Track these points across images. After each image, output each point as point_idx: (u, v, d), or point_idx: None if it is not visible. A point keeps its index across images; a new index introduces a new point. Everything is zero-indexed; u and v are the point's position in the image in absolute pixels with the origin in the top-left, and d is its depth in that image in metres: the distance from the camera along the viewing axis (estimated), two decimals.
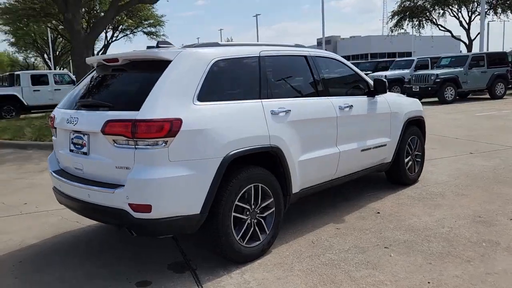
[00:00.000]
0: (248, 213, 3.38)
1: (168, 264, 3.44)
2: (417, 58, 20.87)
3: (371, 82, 4.80)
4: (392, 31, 34.89)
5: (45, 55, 47.73)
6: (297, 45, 4.33)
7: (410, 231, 3.95)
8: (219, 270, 3.29)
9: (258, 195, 3.44)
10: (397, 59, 23.74)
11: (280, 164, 3.58)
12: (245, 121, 3.33)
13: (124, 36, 40.55)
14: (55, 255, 3.74)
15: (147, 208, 2.89)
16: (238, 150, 3.20)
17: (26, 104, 16.61)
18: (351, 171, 4.50)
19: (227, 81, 3.44)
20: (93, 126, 3.11)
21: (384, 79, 4.78)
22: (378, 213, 4.47)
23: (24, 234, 4.25)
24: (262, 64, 3.67)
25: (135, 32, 40.54)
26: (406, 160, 5.30)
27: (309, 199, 4.88)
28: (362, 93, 4.73)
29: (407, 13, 33.38)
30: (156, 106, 2.94)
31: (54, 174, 3.60)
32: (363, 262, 3.35)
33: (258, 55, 3.68)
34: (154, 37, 40.20)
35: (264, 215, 3.52)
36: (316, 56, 4.28)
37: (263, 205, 3.50)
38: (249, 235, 3.39)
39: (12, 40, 46.96)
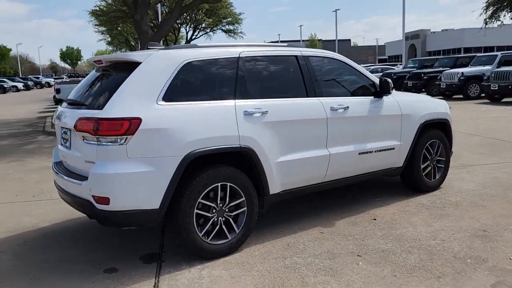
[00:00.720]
0: (214, 211, 3.46)
1: (143, 254, 3.65)
2: (501, 54, 19.02)
3: (378, 82, 4.59)
4: (486, 23, 31.91)
5: None
6: (290, 45, 4.29)
7: (395, 240, 3.75)
8: (183, 264, 3.43)
9: (226, 194, 3.50)
10: (479, 54, 21.82)
11: (254, 164, 3.60)
12: (212, 122, 3.40)
13: (204, 34, 42.20)
14: (55, 238, 4.15)
15: (106, 201, 3.11)
16: (201, 150, 3.29)
17: None
18: (346, 175, 4.35)
19: (198, 82, 3.54)
20: (70, 123, 3.40)
21: (389, 79, 4.54)
22: (374, 219, 4.28)
23: (42, 217, 4.74)
24: (241, 65, 3.71)
25: (214, 30, 41.96)
26: (423, 165, 4.98)
27: (306, 200, 4.83)
28: (366, 94, 4.54)
29: (505, 3, 30.32)
30: (118, 105, 3.14)
31: (53, 166, 3.98)
32: (325, 269, 3.27)
33: (238, 56, 3.73)
34: (232, 34, 41.34)
35: (233, 214, 3.57)
36: (310, 56, 4.20)
37: (233, 204, 3.55)
38: (214, 232, 3.47)
39: (109, 39, 50.94)
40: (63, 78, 51.87)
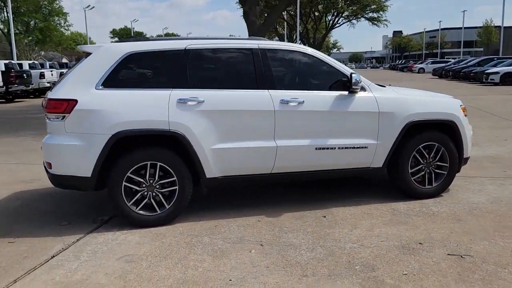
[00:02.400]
0: (144, 185, 3.94)
1: (99, 218, 4.25)
2: None
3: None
4: None
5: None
6: (251, 38, 4.42)
7: (317, 238, 3.70)
8: (116, 228, 3.99)
9: (155, 172, 3.94)
10: None
11: (186, 148, 3.95)
12: (142, 107, 3.86)
13: (346, 22, 41.49)
14: (47, 197, 5.03)
15: (50, 166, 3.86)
16: (128, 130, 3.79)
17: None
18: (301, 169, 4.33)
19: (139, 71, 4.03)
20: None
21: (355, 75, 4.27)
22: (324, 217, 4.21)
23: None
24: (186, 57, 4.05)
25: (358, 18, 40.91)
26: (413, 169, 4.59)
27: (278, 190, 4.95)
28: (337, 88, 4.38)
29: None
30: (62, 89, 3.84)
31: None
32: (217, 250, 3.48)
33: (184, 48, 4.08)
34: (376, 22, 39.74)
35: (163, 190, 3.99)
36: (269, 49, 4.28)
37: (163, 181, 3.97)
38: (142, 204, 3.95)
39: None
40: None
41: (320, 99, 4.30)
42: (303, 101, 4.21)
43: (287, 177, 4.37)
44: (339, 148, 4.35)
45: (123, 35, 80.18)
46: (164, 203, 4.01)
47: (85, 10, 43.40)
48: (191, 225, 4.04)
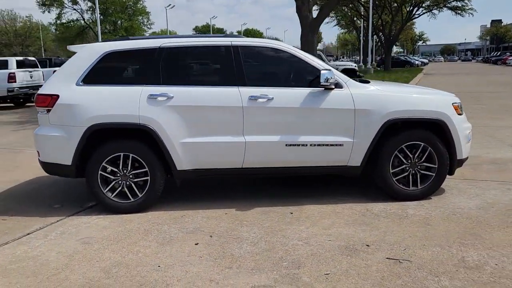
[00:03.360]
0: (118, 175, 4.26)
1: (88, 203, 4.66)
2: None
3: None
4: None
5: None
6: (227, 36, 4.51)
7: (268, 233, 3.74)
8: (95, 212, 4.36)
9: (128, 162, 4.24)
10: None
11: (156, 141, 4.19)
12: (115, 102, 4.16)
13: (426, 12, 39.14)
14: (61, 181, 5.57)
15: (38, 154, 4.33)
16: (101, 123, 4.12)
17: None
18: (272, 165, 4.37)
19: (116, 69, 4.33)
20: None
21: (327, 71, 4.17)
22: (291, 213, 4.22)
23: None
24: (159, 54, 4.28)
25: (440, 8, 38.40)
26: (394, 169, 4.41)
27: (256, 183, 5.01)
28: (313, 85, 4.33)
29: None
30: (48, 85, 4.28)
31: None
32: (165, 238, 3.68)
33: (158, 46, 4.31)
34: (459, 12, 37.00)
35: (136, 180, 4.28)
36: (243, 46, 4.35)
37: (135, 172, 4.26)
38: (116, 192, 4.27)
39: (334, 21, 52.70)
40: None
41: (291, 95, 4.29)
42: (273, 97, 4.23)
43: (258, 172, 4.44)
44: (311, 145, 4.31)
45: (204, 31, 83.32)
46: (137, 192, 4.29)
47: (166, 9, 45.95)
48: (161, 214, 4.28)
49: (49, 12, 43.09)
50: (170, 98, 4.18)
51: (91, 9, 42.35)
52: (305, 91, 4.30)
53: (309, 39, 15.00)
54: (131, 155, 4.22)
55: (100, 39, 33.38)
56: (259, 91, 4.25)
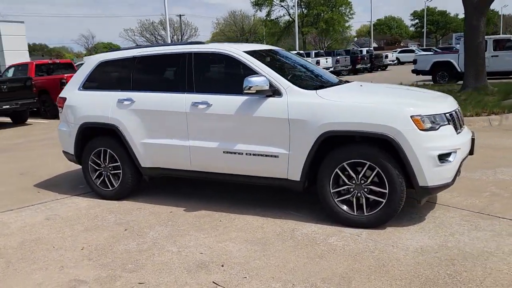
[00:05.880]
0: (102, 166, 5.05)
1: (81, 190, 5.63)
2: None
3: (274, 80, 4.08)
4: None
5: None
6: (191, 43, 4.68)
7: (159, 235, 3.93)
8: (88, 195, 5.26)
9: (106, 156, 4.98)
10: None
11: (122, 140, 4.80)
12: (96, 105, 4.92)
13: None
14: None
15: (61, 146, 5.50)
16: (88, 122, 4.97)
17: (459, 70, 17.25)
18: (213, 170, 4.42)
19: (103, 76, 5.06)
20: None
21: (254, 78, 3.90)
22: (221, 221, 4.23)
23: None
24: (132, 63, 4.84)
25: None
26: (336, 189, 3.89)
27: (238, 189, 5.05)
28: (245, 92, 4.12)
29: None
30: (64, 89, 5.35)
31: None
32: (95, 224, 4.28)
33: (133, 56, 4.86)
34: None
35: (112, 172, 4.99)
36: (198, 53, 4.49)
37: (112, 165, 4.97)
38: (100, 181, 5.07)
39: None
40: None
41: (229, 102, 4.22)
42: (212, 104, 4.28)
43: (204, 176, 4.55)
44: (246, 154, 4.18)
45: (422, 15, 77.45)
46: (114, 182, 5.00)
47: None
48: (124, 204, 4.87)
49: (260, 10, 47.82)
50: (133, 102, 4.70)
51: (297, 5, 45.05)
52: (242, 98, 4.17)
53: (474, 24, 12.80)
54: (108, 150, 4.95)
55: (296, 33, 35.29)
56: (202, 98, 4.35)
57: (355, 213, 3.84)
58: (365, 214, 3.80)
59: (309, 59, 26.78)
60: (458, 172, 3.82)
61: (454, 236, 3.56)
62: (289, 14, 46.45)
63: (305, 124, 3.87)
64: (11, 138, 10.36)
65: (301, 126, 3.89)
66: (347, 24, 47.25)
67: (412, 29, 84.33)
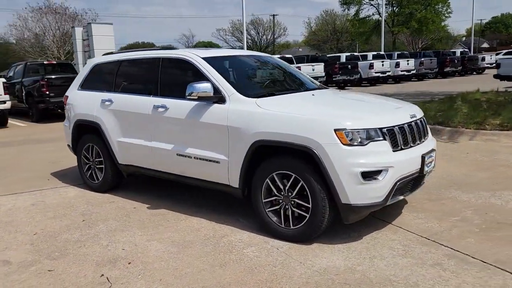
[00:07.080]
0: (90, 160, 5.50)
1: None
2: None
3: (221, 87, 4.14)
4: None
5: None
6: (166, 48, 4.87)
7: (108, 229, 4.20)
8: (81, 186, 5.74)
9: (93, 152, 5.41)
10: None
11: (102, 137, 5.19)
12: (86, 104, 5.37)
13: None
14: None
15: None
16: (80, 119, 5.45)
17: None
18: (171, 171, 4.57)
19: (95, 78, 5.47)
20: None
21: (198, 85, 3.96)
22: (168, 220, 4.39)
23: None
24: (117, 67, 5.19)
25: None
26: (266, 199, 3.83)
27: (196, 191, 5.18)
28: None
29: None
30: (68, 89, 5.89)
31: None
32: (63, 213, 4.69)
33: (118, 59, 5.21)
34: None
35: (97, 167, 5.41)
36: (166, 58, 4.68)
37: (97, 160, 5.39)
38: (89, 174, 5.53)
39: None
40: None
41: (182, 107, 4.35)
42: (169, 108, 4.45)
43: (166, 176, 4.73)
44: (194, 157, 4.28)
45: None
46: (98, 176, 5.42)
47: None
48: (103, 197, 5.24)
49: (348, 10, 46.55)
50: (112, 103, 5.05)
51: (388, 3, 43.06)
52: (193, 103, 4.28)
53: None
54: (94, 146, 5.37)
55: (382, 32, 33.92)
56: (162, 101, 4.54)
57: (283, 226, 3.74)
58: (291, 227, 3.69)
59: (388, 61, 25.59)
60: (395, 192, 3.53)
61: (373, 260, 3.31)
62: (379, 13, 44.59)
63: (240, 132, 3.86)
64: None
65: (237, 133, 3.89)
66: (443, 24, 43.87)
67: None
